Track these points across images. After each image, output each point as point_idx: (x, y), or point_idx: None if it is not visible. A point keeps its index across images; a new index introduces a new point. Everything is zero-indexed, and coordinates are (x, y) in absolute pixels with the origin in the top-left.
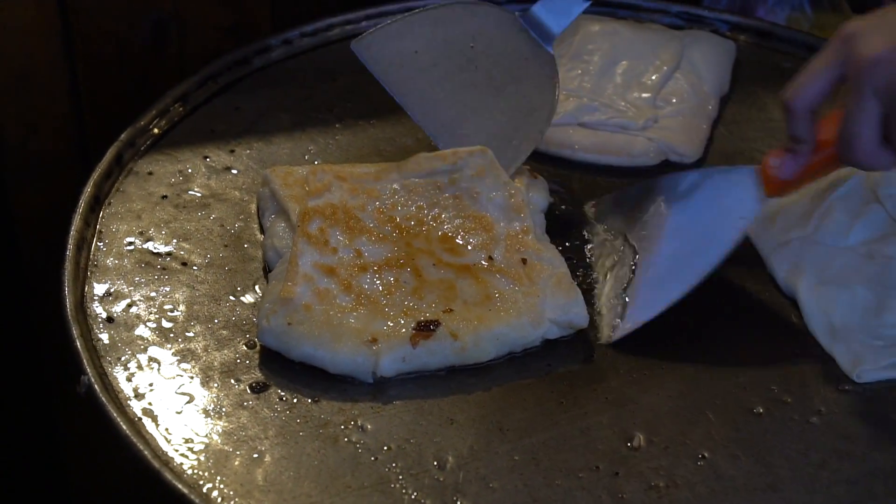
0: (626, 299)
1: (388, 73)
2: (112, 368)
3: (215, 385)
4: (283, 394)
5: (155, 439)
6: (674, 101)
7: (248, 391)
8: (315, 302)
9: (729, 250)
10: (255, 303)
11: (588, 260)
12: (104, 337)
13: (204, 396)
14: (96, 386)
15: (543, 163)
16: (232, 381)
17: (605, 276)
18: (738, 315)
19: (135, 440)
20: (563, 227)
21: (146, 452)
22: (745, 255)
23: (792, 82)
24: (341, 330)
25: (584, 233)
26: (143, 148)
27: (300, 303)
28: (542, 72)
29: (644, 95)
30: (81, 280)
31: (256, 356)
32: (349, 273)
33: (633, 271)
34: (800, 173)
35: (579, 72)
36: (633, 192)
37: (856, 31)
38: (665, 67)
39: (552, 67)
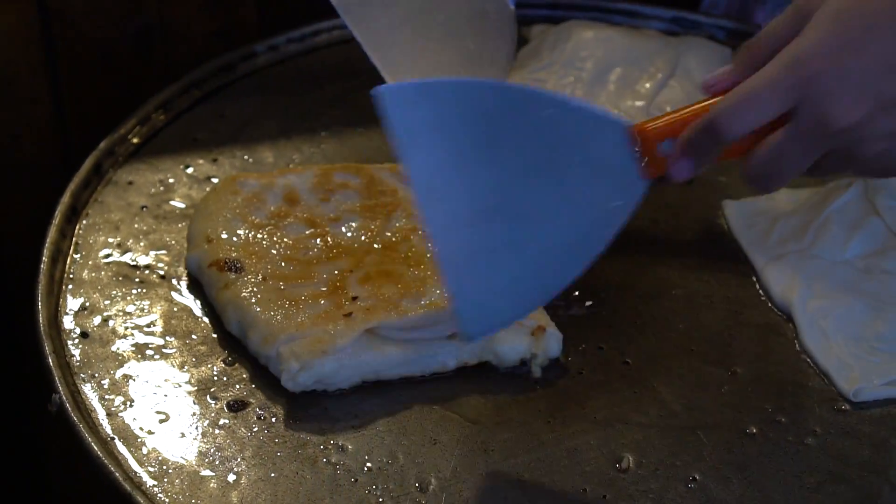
0: None
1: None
2: (85, 386)
3: (192, 403)
4: (261, 413)
5: (127, 460)
6: (668, 109)
7: (226, 409)
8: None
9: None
10: None
11: None
12: (77, 353)
13: (180, 415)
14: (68, 404)
15: None
16: (209, 398)
17: None
18: (730, 331)
19: (106, 461)
20: None
21: (118, 474)
22: (739, 269)
23: (728, 102)
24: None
25: None
26: (122, 157)
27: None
28: (501, 26)
29: (638, 104)
30: (56, 294)
31: (235, 374)
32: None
33: None
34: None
35: (572, 79)
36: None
37: (817, 72)
38: (660, 75)
39: (512, 23)
